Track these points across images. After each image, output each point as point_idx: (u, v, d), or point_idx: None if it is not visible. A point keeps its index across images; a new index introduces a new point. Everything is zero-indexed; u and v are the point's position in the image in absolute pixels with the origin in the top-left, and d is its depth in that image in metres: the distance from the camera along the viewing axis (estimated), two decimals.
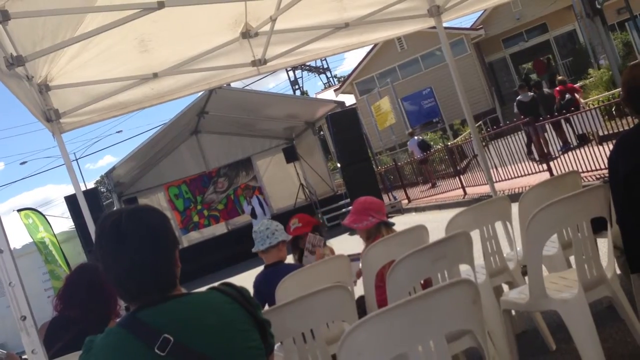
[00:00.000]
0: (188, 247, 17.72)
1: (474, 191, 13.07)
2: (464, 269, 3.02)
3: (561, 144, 12.96)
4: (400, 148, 24.58)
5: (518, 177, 12.13)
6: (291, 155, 18.93)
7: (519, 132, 13.43)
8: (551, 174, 10.71)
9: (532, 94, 14.39)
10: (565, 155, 10.62)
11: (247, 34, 5.13)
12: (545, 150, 11.95)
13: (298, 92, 45.93)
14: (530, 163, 12.30)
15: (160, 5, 3.72)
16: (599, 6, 15.09)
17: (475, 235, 3.20)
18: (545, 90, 15.51)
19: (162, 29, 4.50)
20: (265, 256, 3.65)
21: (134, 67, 4.83)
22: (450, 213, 4.16)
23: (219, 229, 19.18)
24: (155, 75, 4.95)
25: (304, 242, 4.05)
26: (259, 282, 3.65)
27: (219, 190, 19.07)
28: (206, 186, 18.90)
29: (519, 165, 12.47)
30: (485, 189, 12.11)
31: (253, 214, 15.23)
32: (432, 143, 20.58)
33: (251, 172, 19.54)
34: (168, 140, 17.43)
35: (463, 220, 3.62)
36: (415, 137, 19.84)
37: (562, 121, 11.84)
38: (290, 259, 4.21)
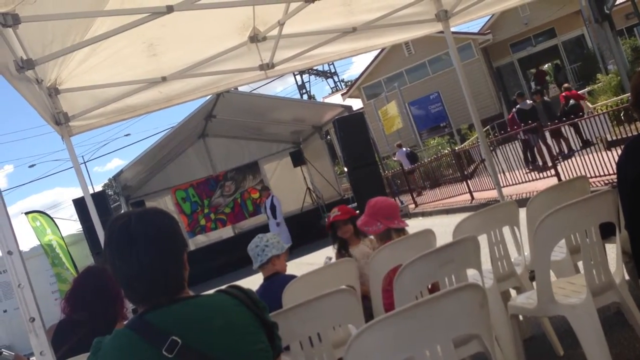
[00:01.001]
0: (195, 250, 17.74)
1: (481, 196, 13.05)
2: (471, 273, 3.01)
3: (566, 150, 12.94)
4: None
5: (525, 182, 12.09)
6: (298, 160, 18.95)
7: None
8: (559, 179, 10.67)
9: (531, 102, 14.40)
10: (573, 160, 10.58)
11: (255, 38, 5.14)
12: (554, 153, 11.96)
13: (305, 97, 45.99)
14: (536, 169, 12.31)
15: (169, 10, 3.74)
16: (607, 11, 15.05)
17: (482, 240, 3.20)
18: (546, 98, 15.51)
19: (171, 33, 4.52)
20: (262, 271, 3.67)
21: (142, 71, 4.86)
22: (458, 218, 4.16)
23: (226, 232, 19.19)
24: (164, 79, 4.97)
25: (342, 231, 4.13)
26: (258, 295, 3.67)
27: (226, 194, 19.08)
28: (213, 190, 18.91)
29: (526, 170, 12.43)
30: (492, 194, 12.08)
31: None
32: (419, 154, 21.25)
33: (258, 175, 19.55)
34: (175, 144, 17.48)
35: (470, 224, 3.61)
36: (404, 149, 20.26)
37: (565, 127, 11.75)
38: (329, 251, 4.33)
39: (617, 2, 15.68)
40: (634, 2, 13.63)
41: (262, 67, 5.45)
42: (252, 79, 5.66)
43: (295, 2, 4.65)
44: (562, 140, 12.84)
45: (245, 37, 5.15)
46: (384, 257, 3.35)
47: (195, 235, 18.70)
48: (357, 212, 4.35)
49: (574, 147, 12.39)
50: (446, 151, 17.56)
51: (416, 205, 16.50)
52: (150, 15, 3.78)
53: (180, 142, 17.67)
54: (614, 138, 10.28)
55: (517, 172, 12.74)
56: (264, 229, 15.71)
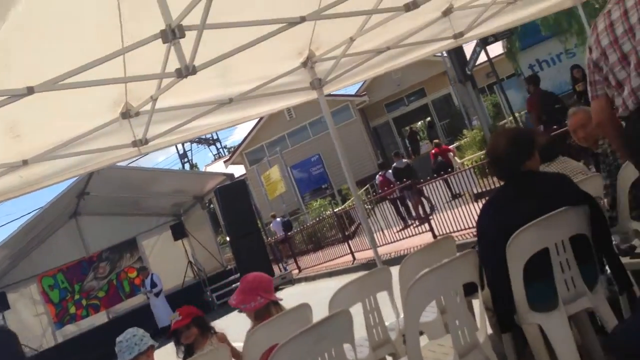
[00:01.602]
0: (62, 343, 16.39)
1: (362, 256, 13.34)
2: (347, 347, 3.01)
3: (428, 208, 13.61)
4: (291, 216, 24.71)
5: (402, 239, 12.56)
6: (179, 233, 18.27)
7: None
8: (433, 233, 11.21)
9: (406, 160, 15.34)
10: (445, 213, 11.15)
11: (127, 113, 4.92)
12: (423, 210, 12.63)
13: (187, 165, 45.38)
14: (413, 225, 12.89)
15: (30, 91, 3.57)
16: (469, 72, 16.52)
17: (358, 307, 3.23)
18: (404, 160, 16.40)
19: (35, 112, 4.26)
20: None
21: (1, 156, 4.53)
22: (341, 280, 4.22)
23: (99, 318, 17.74)
24: (25, 163, 4.65)
25: (186, 336, 3.76)
26: None
27: (100, 276, 17.82)
28: (85, 273, 17.57)
29: (402, 226, 12.95)
30: (372, 253, 12.41)
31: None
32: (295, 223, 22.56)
33: (136, 253, 18.57)
34: (43, 226, 16.17)
35: (345, 294, 3.62)
36: (278, 219, 20.88)
37: (436, 183, 12.37)
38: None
39: (477, 63, 17.17)
40: (491, 62, 15.18)
41: (135, 144, 5.25)
42: (124, 157, 5.46)
43: (168, 78, 4.56)
44: (423, 199, 13.57)
45: (117, 114, 4.94)
46: (259, 337, 3.23)
47: (63, 325, 17.16)
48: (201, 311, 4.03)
49: (434, 204, 13.05)
50: (328, 213, 17.89)
51: (300, 271, 16.54)
52: (9, 98, 3.59)
53: (49, 224, 16.43)
54: (480, 190, 11.07)
55: (394, 228, 13.22)
56: (142, 310, 15.01)
